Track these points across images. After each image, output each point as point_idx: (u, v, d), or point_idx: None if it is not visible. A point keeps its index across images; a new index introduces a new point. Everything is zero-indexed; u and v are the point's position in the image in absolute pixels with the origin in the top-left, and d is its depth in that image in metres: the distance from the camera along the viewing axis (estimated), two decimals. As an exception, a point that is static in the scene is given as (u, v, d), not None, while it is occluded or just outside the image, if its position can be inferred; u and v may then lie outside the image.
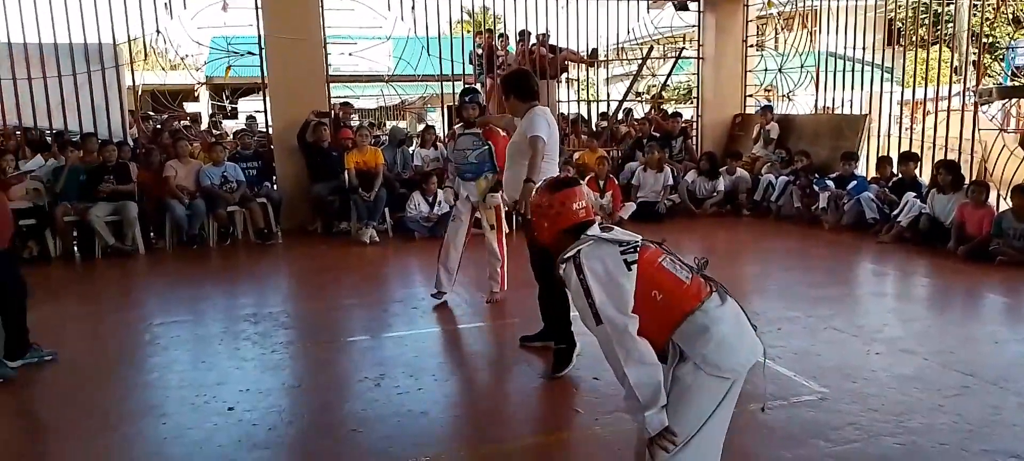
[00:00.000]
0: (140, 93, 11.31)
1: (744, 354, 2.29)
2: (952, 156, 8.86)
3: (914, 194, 8.21)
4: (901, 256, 7.51)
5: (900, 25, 13.05)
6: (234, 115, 15.86)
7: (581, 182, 2.60)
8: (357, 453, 3.44)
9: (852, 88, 10.87)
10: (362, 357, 4.79)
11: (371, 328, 5.42)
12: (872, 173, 9.56)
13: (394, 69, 11.58)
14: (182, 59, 12.33)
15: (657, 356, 2.23)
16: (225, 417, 3.81)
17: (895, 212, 8.23)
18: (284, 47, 9.29)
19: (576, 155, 10.41)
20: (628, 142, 11.46)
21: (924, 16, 10.74)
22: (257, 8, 9.33)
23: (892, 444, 3.37)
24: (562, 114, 11.58)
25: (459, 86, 10.51)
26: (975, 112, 9.15)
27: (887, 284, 6.86)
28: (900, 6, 11.70)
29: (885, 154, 9.70)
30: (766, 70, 12.28)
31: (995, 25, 14.71)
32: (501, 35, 11.57)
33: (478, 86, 11.13)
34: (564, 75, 12.11)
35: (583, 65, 11.97)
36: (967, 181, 8.03)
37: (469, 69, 11.15)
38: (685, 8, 11.92)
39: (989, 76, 13.60)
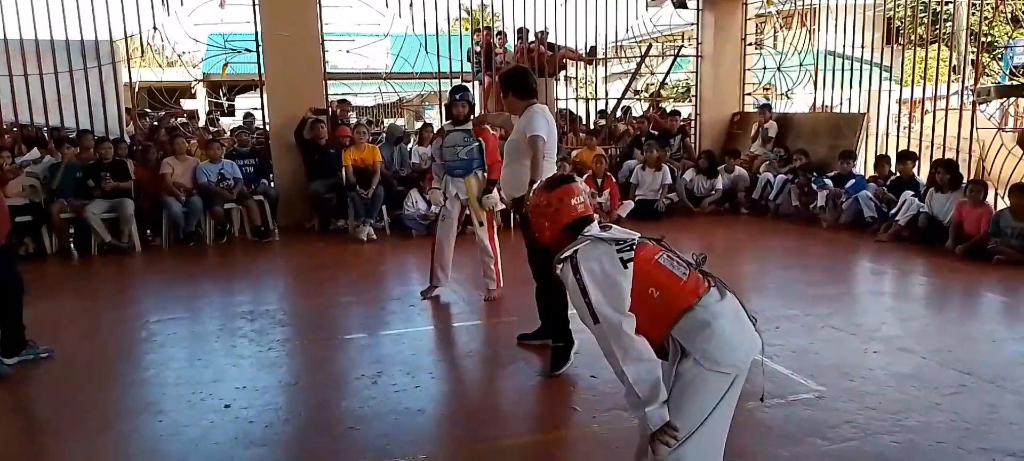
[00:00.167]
0: (137, 90, 11.28)
1: (744, 349, 2.29)
2: (950, 155, 8.86)
3: (912, 193, 8.21)
4: (899, 255, 7.51)
5: (899, 24, 13.04)
6: (231, 112, 15.83)
7: (576, 178, 2.59)
8: (354, 450, 3.42)
9: (851, 87, 10.87)
10: (359, 355, 4.78)
11: (368, 326, 5.42)
12: (870, 172, 9.55)
13: (392, 66, 11.57)
14: (179, 56, 12.30)
15: (657, 353, 2.23)
16: (222, 414, 3.79)
17: (893, 211, 8.23)
18: (281, 44, 9.27)
19: (574, 153, 10.40)
20: (626, 140, 11.46)
21: (923, 15, 10.73)
22: (254, 5, 9.32)
23: (889, 442, 3.37)
24: (561, 111, 11.57)
25: (457, 83, 10.52)
26: (973, 111, 9.15)
27: (885, 283, 6.86)
28: (899, 5, 11.70)
29: (883, 153, 9.69)
30: (765, 68, 12.29)
31: (994, 24, 14.71)
32: (499, 33, 11.56)
33: (475, 84, 11.14)
34: (562, 73, 12.10)
35: (581, 63, 11.97)
36: (965, 180, 8.03)
37: (467, 67, 11.14)
38: (684, 6, 11.91)
39: (987, 75, 13.61)
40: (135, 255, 8.06)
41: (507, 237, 8.17)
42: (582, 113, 12.57)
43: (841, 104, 11.09)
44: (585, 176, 9.31)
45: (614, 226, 2.43)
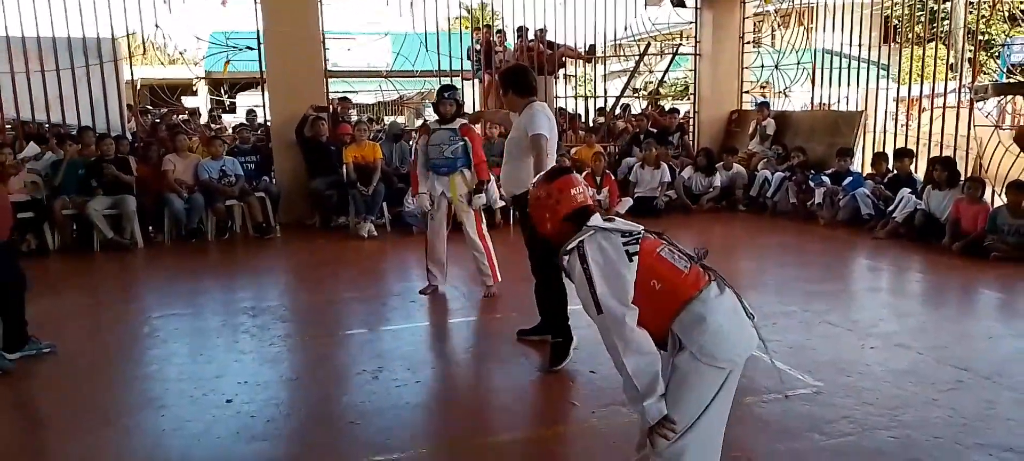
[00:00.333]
0: (139, 87, 11.31)
1: (742, 345, 2.31)
2: (947, 152, 8.88)
3: (909, 190, 8.24)
4: (896, 252, 7.53)
5: (896, 22, 13.06)
6: (233, 110, 15.85)
7: (573, 171, 2.61)
8: (355, 445, 3.45)
9: (848, 85, 10.88)
10: (360, 350, 4.81)
11: (369, 321, 5.45)
12: (868, 169, 9.59)
13: (392, 64, 11.59)
14: (181, 53, 12.34)
15: (656, 345, 2.26)
16: (224, 409, 3.82)
17: (890, 208, 8.26)
18: (283, 42, 9.30)
19: (573, 150, 10.43)
20: (625, 138, 11.48)
21: (920, 13, 10.76)
22: (256, 3, 9.33)
23: (886, 438, 3.40)
24: (559, 110, 11.59)
25: (457, 82, 10.54)
26: (971, 109, 9.18)
27: (882, 279, 6.90)
28: (896, 3, 11.72)
29: (881, 150, 9.73)
30: (763, 67, 12.31)
31: (991, 22, 14.73)
32: (499, 31, 11.58)
33: (475, 82, 11.17)
34: (561, 71, 12.12)
35: (581, 61, 11.98)
36: (962, 177, 8.06)
37: (467, 65, 11.15)
38: (682, 4, 11.93)
39: (985, 73, 13.65)
40: (137, 251, 8.09)
41: (507, 234, 8.23)
42: (581, 111, 12.60)
43: (838, 102, 11.12)
44: (584, 174, 9.33)
45: (617, 218, 2.45)
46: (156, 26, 9.45)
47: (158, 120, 11.09)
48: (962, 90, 9.44)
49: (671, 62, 13.18)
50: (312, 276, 7.09)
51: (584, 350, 4.35)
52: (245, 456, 3.38)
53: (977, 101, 9.35)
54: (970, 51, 10.48)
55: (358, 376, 4.30)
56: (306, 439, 3.53)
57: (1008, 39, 14.40)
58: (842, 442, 3.37)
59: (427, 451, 3.41)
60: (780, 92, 12.21)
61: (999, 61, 14.65)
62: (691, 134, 12.09)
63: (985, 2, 12.79)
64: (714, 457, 2.37)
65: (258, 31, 9.44)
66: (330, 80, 10.18)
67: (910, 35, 10.97)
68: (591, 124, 12.06)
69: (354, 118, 10.68)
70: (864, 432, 3.46)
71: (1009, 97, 10.80)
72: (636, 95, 13.79)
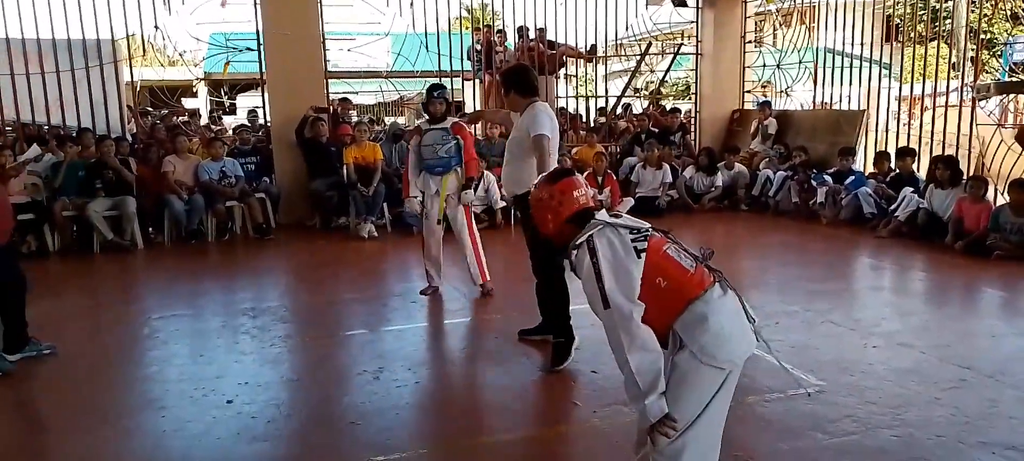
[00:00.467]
0: (138, 89, 11.30)
1: (742, 346, 2.31)
2: (950, 151, 8.87)
3: (912, 189, 8.22)
4: (899, 251, 7.51)
5: (898, 21, 13.05)
6: (233, 111, 15.85)
7: (575, 173, 2.61)
8: (356, 446, 3.44)
9: (850, 84, 10.87)
10: (361, 351, 4.80)
11: (369, 322, 5.43)
12: (870, 168, 9.57)
13: (393, 65, 11.57)
14: (180, 55, 12.32)
15: (659, 343, 2.25)
16: (224, 410, 3.81)
17: (893, 207, 8.24)
18: (283, 43, 9.29)
19: (574, 150, 10.42)
20: (626, 138, 11.46)
21: (922, 12, 10.74)
22: (256, 4, 9.32)
23: (889, 437, 3.38)
24: (560, 110, 11.58)
25: (458, 82, 10.53)
26: (973, 108, 9.15)
27: (885, 278, 6.88)
28: (898, 2, 11.70)
29: (883, 149, 9.71)
30: (764, 66, 12.29)
31: (993, 21, 14.72)
32: (499, 31, 11.56)
33: (476, 82, 11.15)
34: (562, 70, 12.11)
35: (581, 61, 11.96)
36: (965, 176, 8.04)
37: (467, 65, 11.14)
38: (683, 4, 11.91)
39: (987, 72, 13.63)
40: (137, 253, 8.09)
41: (508, 234, 8.22)
42: (582, 111, 12.59)
43: (840, 101, 11.10)
44: (585, 174, 9.32)
45: (623, 214, 2.45)
46: (156, 27, 9.45)
47: (158, 122, 11.08)
48: (964, 89, 9.41)
49: (672, 61, 13.16)
50: (312, 277, 7.08)
51: (586, 350, 4.34)
52: (246, 457, 3.36)
53: (979, 100, 9.32)
54: (972, 50, 10.46)
55: (359, 377, 4.29)
56: (307, 440, 3.52)
57: (1010, 38, 14.37)
58: (845, 441, 3.35)
59: (428, 451, 3.40)
60: (782, 91, 12.19)
61: (1001, 60, 14.63)
62: (693, 134, 12.07)
63: (987, 1, 12.79)
64: (714, 455, 2.37)
65: (258, 32, 9.43)
66: (330, 81, 10.17)
67: (912, 34, 10.95)
68: (592, 124, 12.05)
69: (354, 119, 10.67)
70: (867, 431, 3.44)
71: (1012, 96, 10.77)
72: (637, 95, 13.76)
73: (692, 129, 12.15)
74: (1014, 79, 11.71)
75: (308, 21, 9.47)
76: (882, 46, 11.84)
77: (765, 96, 12.30)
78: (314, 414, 3.80)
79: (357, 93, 12.52)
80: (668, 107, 13.36)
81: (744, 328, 2.32)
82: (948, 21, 11.21)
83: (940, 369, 4.20)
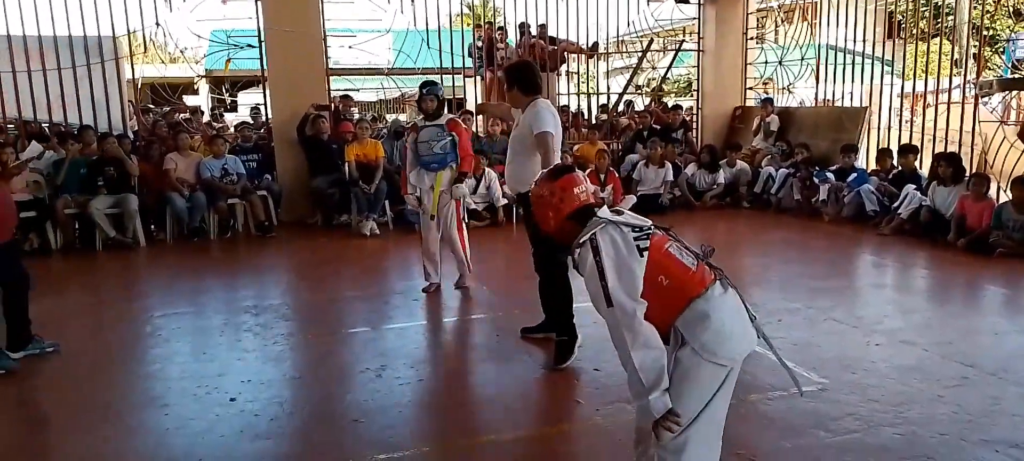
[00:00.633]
0: (140, 86, 11.30)
1: (743, 344, 2.33)
2: (952, 149, 8.85)
3: (914, 186, 8.20)
4: (901, 248, 7.51)
5: (900, 18, 13.03)
6: (234, 108, 15.85)
7: (576, 169, 2.61)
8: (358, 443, 3.44)
9: (852, 81, 10.86)
10: (363, 348, 4.80)
11: (372, 320, 5.43)
12: (872, 165, 9.56)
13: (394, 62, 11.57)
14: (182, 52, 12.32)
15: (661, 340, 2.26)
16: (227, 408, 3.82)
17: (895, 204, 8.23)
18: (284, 40, 9.29)
19: (576, 148, 10.41)
20: (628, 135, 11.45)
21: (924, 9, 10.72)
22: (257, 1, 9.32)
23: (892, 434, 3.38)
24: (561, 107, 11.57)
25: (459, 79, 10.52)
26: (975, 105, 9.14)
27: (887, 276, 6.87)
28: (900, -1, 11.67)
29: (885, 147, 9.70)
30: (766, 63, 12.29)
31: (995, 18, 14.69)
32: (500, 28, 11.55)
33: (477, 79, 11.14)
34: (564, 67, 12.10)
35: (583, 58, 11.95)
36: (967, 174, 8.03)
37: (469, 62, 11.14)
38: (685, 1, 11.90)
39: (989, 69, 13.61)
40: (139, 250, 8.09)
41: (509, 231, 8.22)
42: (584, 108, 12.57)
43: (843, 98, 11.09)
44: (588, 171, 9.32)
45: (625, 211, 2.45)
46: (157, 24, 9.45)
47: (160, 119, 11.08)
48: (967, 86, 9.40)
49: (674, 58, 13.15)
50: (314, 274, 7.08)
51: (589, 348, 4.34)
52: (249, 454, 3.37)
53: (982, 97, 9.31)
54: (975, 47, 10.45)
55: (361, 374, 4.29)
56: (309, 437, 3.52)
57: (1013, 35, 14.34)
58: (848, 439, 3.35)
59: (430, 449, 3.40)
60: (784, 88, 12.18)
61: (1004, 56, 14.60)
62: (694, 131, 12.06)
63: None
64: (715, 450, 2.39)
65: (259, 29, 9.42)
66: (332, 78, 10.17)
67: (914, 31, 10.93)
68: (594, 121, 12.04)
69: (356, 116, 10.67)
70: (869, 429, 3.44)
71: (1014, 93, 10.76)
72: (639, 92, 13.75)
73: (694, 126, 12.14)
74: (1016, 76, 11.69)
75: (309, 18, 9.46)
76: (884, 43, 11.83)
77: (767, 93, 12.28)
78: (316, 412, 3.80)
79: (359, 90, 12.54)
80: (670, 104, 13.35)
81: (745, 325, 2.34)
82: (950, 17, 11.19)
83: (943, 367, 4.19)
